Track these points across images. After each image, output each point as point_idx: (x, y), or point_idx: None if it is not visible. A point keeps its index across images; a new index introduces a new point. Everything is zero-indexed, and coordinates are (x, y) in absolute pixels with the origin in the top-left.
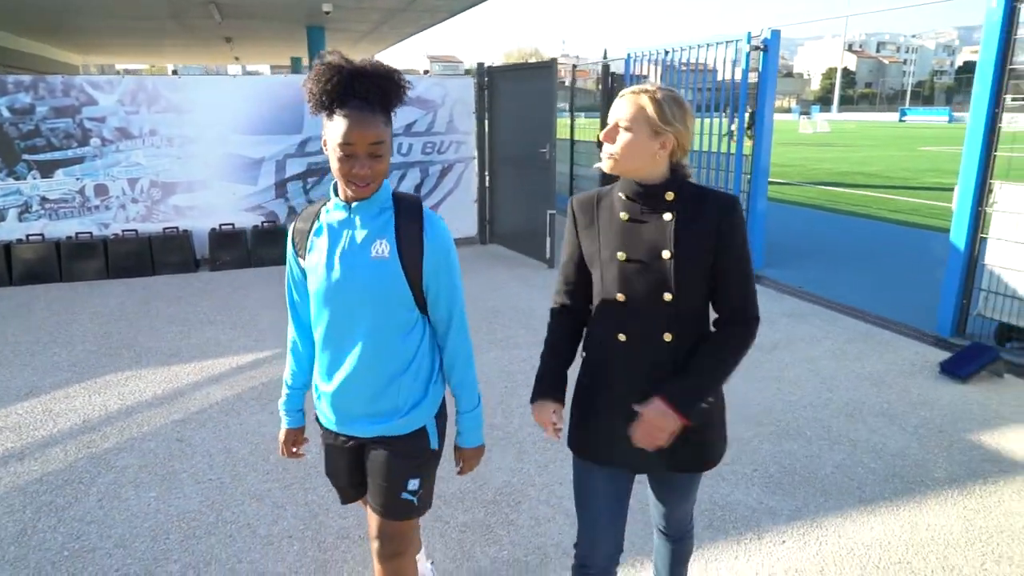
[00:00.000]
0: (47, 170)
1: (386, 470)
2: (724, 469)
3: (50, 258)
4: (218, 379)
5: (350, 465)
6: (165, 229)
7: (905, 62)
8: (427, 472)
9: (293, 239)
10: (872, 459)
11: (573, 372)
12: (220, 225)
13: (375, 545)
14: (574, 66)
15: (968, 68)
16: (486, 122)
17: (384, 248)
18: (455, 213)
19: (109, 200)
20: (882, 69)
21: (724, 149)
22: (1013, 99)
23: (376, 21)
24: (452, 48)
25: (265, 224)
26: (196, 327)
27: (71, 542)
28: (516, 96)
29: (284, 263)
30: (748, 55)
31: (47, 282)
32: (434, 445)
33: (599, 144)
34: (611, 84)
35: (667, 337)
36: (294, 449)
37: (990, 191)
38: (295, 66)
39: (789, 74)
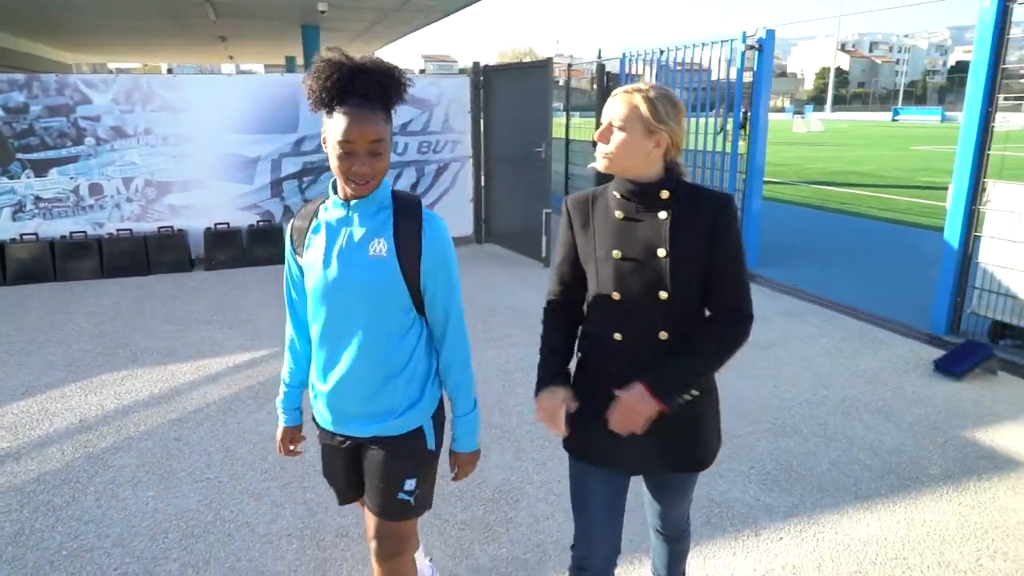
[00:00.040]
0: (41, 169)
1: (382, 470)
2: (721, 466)
3: (44, 257)
4: (215, 378)
5: (347, 465)
6: (160, 228)
7: (898, 62)
8: (424, 472)
9: (291, 237)
10: (868, 456)
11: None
12: (215, 224)
13: (373, 545)
14: (569, 65)
15: (960, 68)
16: (482, 121)
17: (382, 247)
18: (451, 212)
19: (104, 199)
20: (875, 69)
21: (719, 148)
22: (1005, 99)
23: (371, 20)
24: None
25: (261, 223)
26: (192, 326)
27: (69, 541)
28: (512, 95)
29: (280, 262)
30: (743, 55)
31: (41, 282)
32: (431, 445)
33: (595, 144)
34: (606, 83)
35: (663, 336)
36: (292, 447)
37: (983, 190)
38: (290, 65)
39: (783, 74)
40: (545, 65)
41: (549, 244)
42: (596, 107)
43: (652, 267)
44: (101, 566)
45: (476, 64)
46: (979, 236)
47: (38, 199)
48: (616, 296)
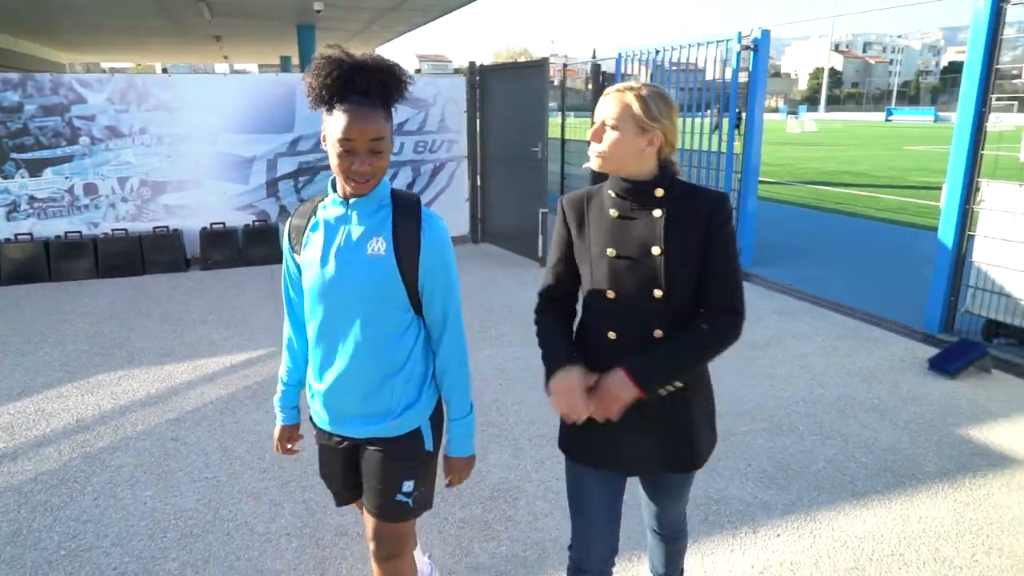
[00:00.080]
0: (35, 169)
1: (380, 472)
2: (719, 464)
3: (39, 257)
4: (212, 378)
5: (344, 466)
6: (155, 228)
7: (891, 62)
8: (422, 473)
9: (289, 235)
10: (864, 454)
11: None
12: (211, 224)
13: (372, 546)
14: (565, 65)
15: (953, 68)
16: (478, 121)
17: (380, 246)
18: (447, 212)
19: (99, 199)
20: (868, 69)
21: (715, 148)
22: (997, 99)
23: (367, 20)
24: (441, 47)
25: (256, 223)
26: (188, 326)
27: (67, 541)
28: (508, 95)
29: (276, 262)
30: (739, 55)
31: (36, 282)
32: (429, 446)
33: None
34: (602, 83)
35: (657, 334)
36: (289, 446)
37: (977, 189)
38: (285, 65)
39: (777, 74)
40: (541, 65)
41: (545, 244)
42: (591, 107)
43: (646, 265)
44: (100, 565)
45: (472, 64)
46: (973, 235)
47: (33, 199)
48: (611, 295)
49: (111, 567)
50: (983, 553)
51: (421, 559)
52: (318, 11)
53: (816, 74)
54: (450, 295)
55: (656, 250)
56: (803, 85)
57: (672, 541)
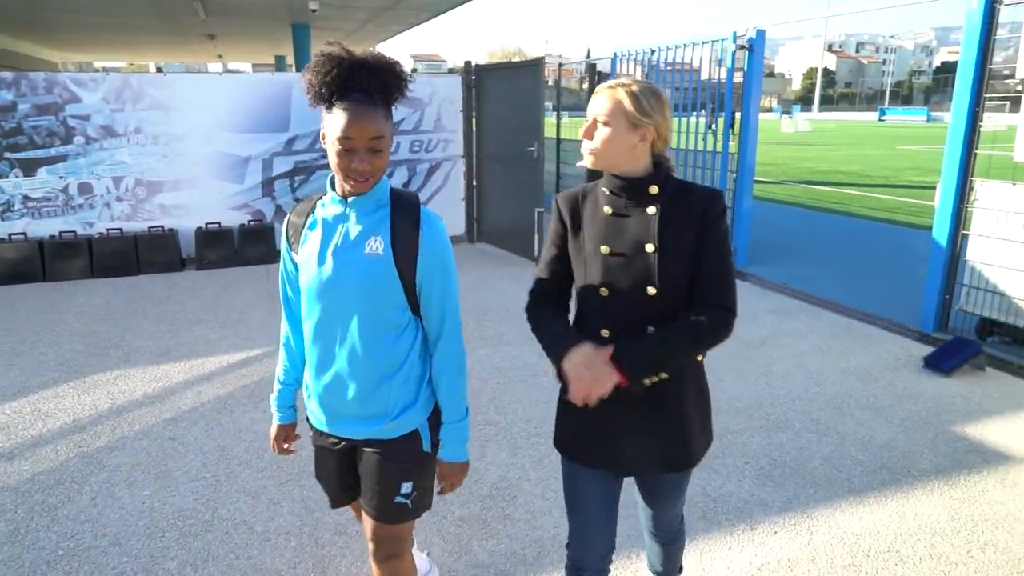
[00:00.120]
0: (29, 168)
1: (378, 474)
2: (716, 462)
3: (33, 257)
4: (209, 377)
5: (340, 467)
6: (151, 228)
7: (884, 62)
8: (421, 475)
9: (287, 233)
10: (860, 451)
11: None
12: (207, 224)
13: (371, 547)
14: (560, 65)
15: (946, 68)
16: (473, 120)
17: (378, 245)
18: (443, 211)
19: (93, 199)
20: (861, 69)
21: (710, 148)
22: (989, 99)
23: (362, 19)
24: (435, 47)
25: (252, 223)
26: (184, 326)
27: (65, 541)
28: (504, 95)
29: (271, 262)
30: (734, 55)
31: (30, 282)
32: (427, 448)
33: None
34: (597, 83)
35: (651, 331)
36: (285, 446)
37: (971, 188)
38: (279, 64)
39: (770, 74)
40: (537, 64)
41: (541, 243)
42: (586, 107)
43: (640, 263)
44: (99, 565)
45: (468, 63)
46: (967, 234)
47: (27, 198)
48: (604, 292)
49: (110, 567)
50: (978, 549)
51: (419, 556)
52: (313, 10)
53: (810, 74)
54: (448, 296)
55: (650, 247)
56: (797, 85)
57: (670, 542)
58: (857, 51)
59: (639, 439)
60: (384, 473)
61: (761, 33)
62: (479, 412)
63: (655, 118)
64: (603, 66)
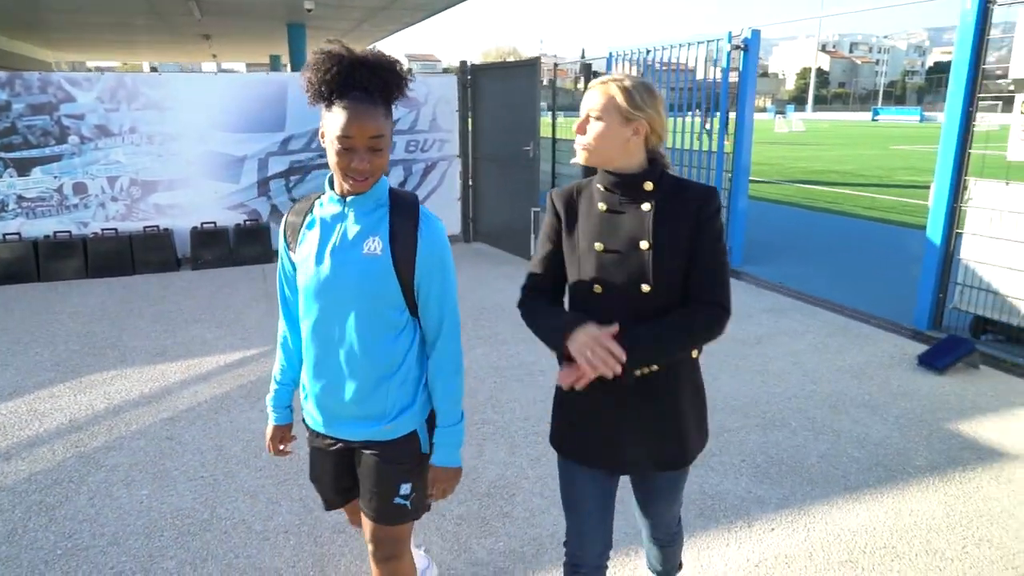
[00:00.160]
0: (24, 168)
1: (376, 475)
2: (713, 460)
3: (27, 258)
4: (206, 377)
5: (336, 469)
6: (146, 228)
7: (877, 62)
8: (420, 476)
9: (285, 232)
10: (855, 448)
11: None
12: (202, 224)
13: (370, 547)
14: (555, 64)
15: (939, 68)
16: (469, 120)
17: (377, 245)
18: (439, 211)
19: (88, 199)
20: (855, 69)
21: (704, 147)
22: (982, 99)
23: (358, 19)
24: (430, 47)
25: (247, 223)
26: (181, 326)
27: (63, 541)
28: (499, 94)
29: (267, 261)
30: (729, 55)
31: (25, 282)
32: (426, 449)
33: None
34: None
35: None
36: (281, 447)
37: (965, 188)
38: (274, 64)
39: (764, 74)
40: (532, 64)
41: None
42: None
43: (634, 259)
44: (97, 564)
45: (464, 63)
46: (961, 233)
47: (21, 198)
48: (597, 289)
49: (108, 566)
50: (973, 545)
51: (418, 554)
52: (309, 10)
53: (803, 74)
54: (446, 297)
55: (644, 244)
56: (790, 85)
57: (668, 545)
58: (851, 51)
59: (635, 437)
60: (383, 475)
61: (756, 33)
62: (476, 411)
63: (648, 112)
64: (598, 66)
